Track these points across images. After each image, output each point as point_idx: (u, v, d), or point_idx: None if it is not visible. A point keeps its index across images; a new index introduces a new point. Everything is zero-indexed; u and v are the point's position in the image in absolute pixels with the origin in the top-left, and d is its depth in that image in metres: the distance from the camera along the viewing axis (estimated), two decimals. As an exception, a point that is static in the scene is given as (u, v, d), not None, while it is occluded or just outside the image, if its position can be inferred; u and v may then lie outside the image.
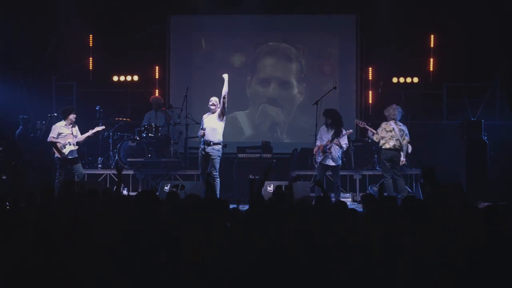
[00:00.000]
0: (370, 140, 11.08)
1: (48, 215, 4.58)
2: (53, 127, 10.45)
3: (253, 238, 4.05)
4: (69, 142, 10.26)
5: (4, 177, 11.00)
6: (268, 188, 9.96)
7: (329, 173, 10.53)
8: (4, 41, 12.55)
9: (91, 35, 13.22)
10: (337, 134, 10.10)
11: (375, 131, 10.25)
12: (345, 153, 11.96)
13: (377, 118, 11.17)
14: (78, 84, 13.14)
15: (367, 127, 10.55)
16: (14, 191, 10.08)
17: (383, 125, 10.15)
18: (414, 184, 11.42)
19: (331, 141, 10.05)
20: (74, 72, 13.17)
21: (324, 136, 10.19)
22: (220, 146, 9.95)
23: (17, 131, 11.57)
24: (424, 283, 3.66)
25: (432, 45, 13.00)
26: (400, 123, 10.20)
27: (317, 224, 4.81)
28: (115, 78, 13.37)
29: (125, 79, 13.37)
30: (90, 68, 13.30)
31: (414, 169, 11.78)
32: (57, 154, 10.24)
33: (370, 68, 13.13)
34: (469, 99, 12.61)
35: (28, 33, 12.55)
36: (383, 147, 10.06)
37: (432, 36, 12.98)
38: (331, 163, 10.11)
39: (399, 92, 12.85)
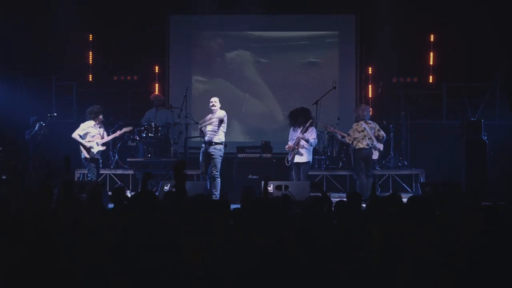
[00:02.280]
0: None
1: (48, 215, 4.58)
2: (82, 125, 10.57)
3: (253, 238, 4.05)
4: (97, 143, 10.44)
5: (4, 177, 11.01)
6: (268, 188, 9.97)
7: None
8: (4, 41, 12.55)
9: (91, 35, 13.20)
10: (303, 130, 10.17)
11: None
12: (345, 153, 11.98)
13: (376, 119, 11.16)
14: (78, 84, 13.13)
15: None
16: (14, 191, 10.08)
17: (354, 126, 10.48)
18: (414, 184, 11.43)
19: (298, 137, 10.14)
20: (74, 72, 13.16)
21: (294, 135, 10.32)
22: (221, 146, 10.08)
23: (31, 133, 11.44)
24: (424, 283, 3.67)
25: (432, 45, 12.99)
26: (370, 121, 10.49)
27: (317, 224, 4.81)
28: (115, 78, 13.36)
29: (125, 79, 13.35)
30: (90, 68, 13.29)
31: (414, 169, 11.79)
32: (85, 154, 10.43)
33: (370, 68, 13.13)
34: (469, 99, 12.60)
35: (28, 33, 12.55)
36: (357, 147, 10.37)
37: (432, 35, 12.96)
38: (298, 159, 10.19)
39: (399, 92, 12.86)
